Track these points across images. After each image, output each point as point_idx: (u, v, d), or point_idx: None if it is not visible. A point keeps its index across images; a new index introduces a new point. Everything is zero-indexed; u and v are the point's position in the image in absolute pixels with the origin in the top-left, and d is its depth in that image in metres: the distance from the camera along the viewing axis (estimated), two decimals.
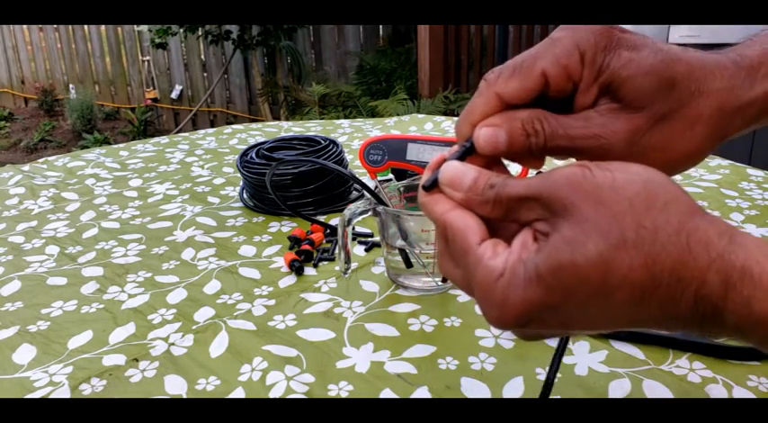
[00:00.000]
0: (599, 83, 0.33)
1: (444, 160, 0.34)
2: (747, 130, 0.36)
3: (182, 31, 3.74)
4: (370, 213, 0.60)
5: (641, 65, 0.33)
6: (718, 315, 0.27)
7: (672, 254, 0.27)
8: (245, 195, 0.87)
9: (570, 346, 0.53)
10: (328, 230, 0.75)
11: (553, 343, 0.54)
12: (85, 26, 4.93)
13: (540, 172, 0.33)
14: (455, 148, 0.35)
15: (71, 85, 5.16)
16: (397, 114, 2.95)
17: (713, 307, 0.27)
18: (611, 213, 0.27)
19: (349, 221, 0.59)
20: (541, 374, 0.50)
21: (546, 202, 0.29)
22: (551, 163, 0.38)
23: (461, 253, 0.31)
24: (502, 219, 0.32)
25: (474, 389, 0.49)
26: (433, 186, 0.33)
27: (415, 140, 0.82)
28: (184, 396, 0.50)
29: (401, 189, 0.65)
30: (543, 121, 0.33)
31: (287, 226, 0.79)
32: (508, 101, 0.33)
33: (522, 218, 0.31)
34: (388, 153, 0.82)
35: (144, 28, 4.11)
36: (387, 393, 0.49)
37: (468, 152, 0.34)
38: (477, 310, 0.59)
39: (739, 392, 0.48)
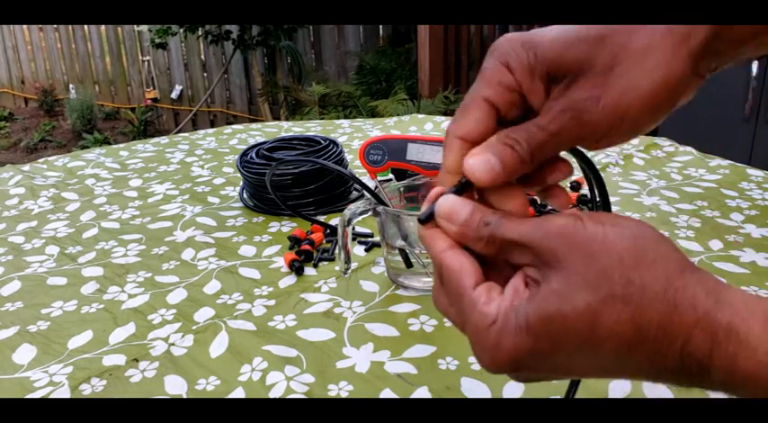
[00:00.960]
0: (539, 76, 0.33)
1: (442, 193, 0.34)
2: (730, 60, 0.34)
3: (182, 31, 3.74)
4: (370, 213, 0.60)
5: (563, 39, 0.33)
6: (705, 372, 0.28)
7: (658, 310, 0.27)
8: (245, 195, 0.87)
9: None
10: (328, 230, 0.75)
11: None
12: (85, 26, 4.93)
13: (544, 210, 0.33)
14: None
15: (71, 85, 5.16)
16: (397, 114, 2.95)
17: (699, 364, 0.28)
18: (600, 267, 0.28)
19: (349, 221, 0.59)
20: None
21: (537, 252, 0.30)
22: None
23: (456, 295, 0.32)
24: (494, 256, 0.32)
25: (474, 389, 0.49)
26: (429, 219, 0.34)
27: (415, 140, 0.81)
28: (184, 396, 0.50)
29: (401, 189, 0.65)
30: (514, 131, 0.33)
31: (287, 226, 0.79)
32: (472, 140, 0.34)
33: (514, 260, 0.31)
34: (388, 153, 0.82)
35: (144, 28, 4.11)
36: (387, 393, 0.49)
37: (465, 187, 0.34)
38: None
39: None
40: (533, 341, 0.29)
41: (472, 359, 0.52)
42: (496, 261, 0.33)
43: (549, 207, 0.37)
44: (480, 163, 0.33)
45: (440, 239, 0.33)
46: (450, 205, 0.33)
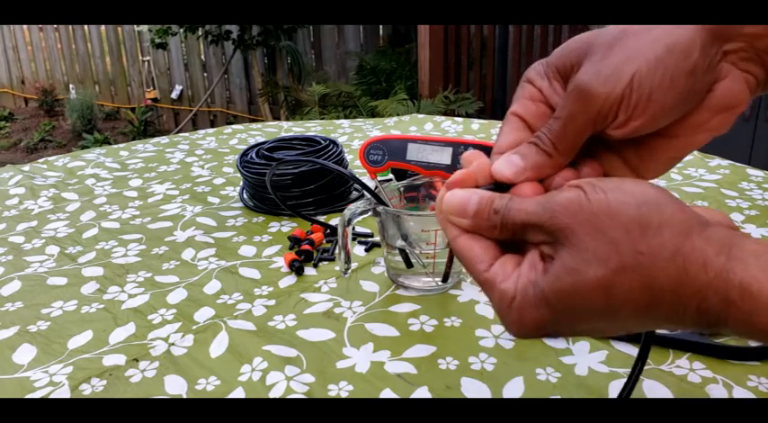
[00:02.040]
0: (553, 78, 0.35)
1: (469, 185, 0.35)
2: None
3: (182, 31, 3.74)
4: (370, 213, 0.60)
5: (567, 42, 0.35)
6: (722, 324, 0.28)
7: (670, 276, 0.28)
8: (245, 195, 0.87)
9: (570, 346, 0.53)
10: (328, 230, 0.75)
11: (553, 343, 0.54)
12: (85, 26, 4.93)
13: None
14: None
15: (71, 85, 5.16)
16: (397, 114, 2.95)
17: (717, 317, 0.28)
18: (608, 240, 0.29)
19: (349, 221, 0.59)
20: (541, 374, 0.50)
21: (548, 231, 0.31)
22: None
23: (475, 277, 0.33)
24: (509, 240, 0.33)
25: (474, 389, 0.49)
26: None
27: (415, 140, 0.81)
28: (184, 396, 0.50)
29: (401, 189, 0.65)
30: (542, 129, 0.34)
31: (287, 226, 0.79)
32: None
33: (529, 240, 0.32)
34: (388, 153, 0.82)
35: (144, 28, 4.11)
36: (387, 393, 0.49)
37: (497, 189, 0.35)
38: (477, 310, 0.59)
39: (739, 392, 0.48)
40: (553, 313, 0.30)
41: (472, 359, 0.52)
42: (517, 240, 0.33)
43: None
44: (502, 161, 0.34)
45: (452, 226, 0.34)
46: (458, 200, 0.34)
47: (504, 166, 0.34)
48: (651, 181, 0.32)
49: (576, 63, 0.34)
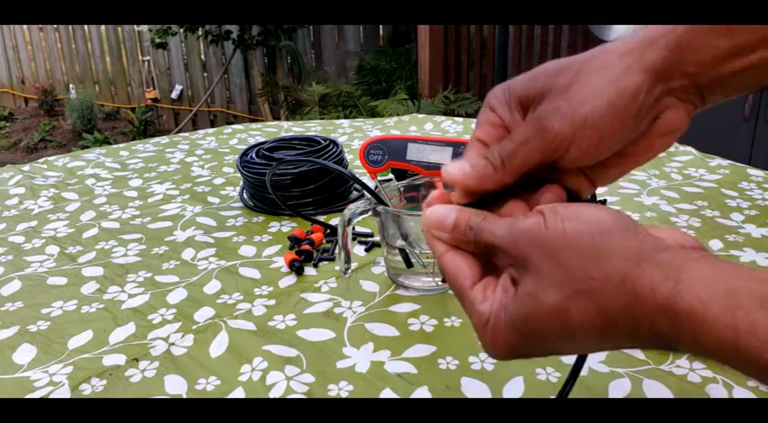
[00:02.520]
0: (515, 108, 0.38)
1: (438, 196, 0.38)
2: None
3: (182, 31, 3.74)
4: (370, 213, 0.60)
5: (530, 75, 0.38)
6: (675, 345, 0.30)
7: (622, 301, 0.30)
8: (245, 195, 0.87)
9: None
10: (328, 230, 0.75)
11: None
12: (85, 26, 4.93)
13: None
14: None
15: (71, 85, 5.16)
16: (397, 114, 2.95)
17: (668, 339, 0.29)
18: (564, 267, 0.31)
19: (349, 221, 0.59)
20: (541, 374, 0.50)
21: (512, 256, 0.33)
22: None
23: (458, 294, 0.36)
24: (485, 254, 0.35)
25: (474, 389, 0.49)
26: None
27: (415, 140, 0.81)
28: (184, 396, 0.50)
29: (401, 189, 0.65)
30: (496, 146, 0.37)
31: (287, 226, 0.79)
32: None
33: (498, 262, 0.35)
34: (388, 153, 0.82)
35: (144, 28, 4.11)
36: (387, 393, 0.49)
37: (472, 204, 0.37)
38: None
39: (739, 392, 0.48)
40: (520, 336, 0.33)
41: (472, 359, 0.52)
42: (491, 258, 0.36)
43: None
44: (454, 165, 0.38)
45: (438, 243, 0.37)
46: (438, 215, 0.37)
47: (454, 168, 0.37)
48: (608, 207, 0.34)
49: (538, 95, 0.37)
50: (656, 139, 0.37)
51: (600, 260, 0.30)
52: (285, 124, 1.27)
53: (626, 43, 0.36)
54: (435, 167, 0.81)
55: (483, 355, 0.53)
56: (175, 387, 0.51)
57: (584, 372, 0.50)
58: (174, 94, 4.75)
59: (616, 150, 0.37)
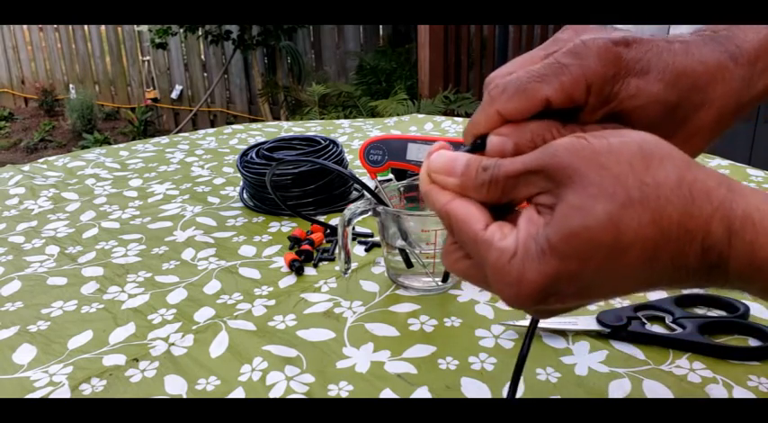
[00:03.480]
0: (605, 110, 0.34)
1: (441, 148, 0.34)
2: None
3: (182, 31, 3.74)
4: (370, 213, 0.60)
5: (649, 94, 0.33)
6: (724, 264, 0.28)
7: (677, 206, 0.28)
8: (245, 195, 0.87)
9: (570, 346, 0.53)
10: (328, 230, 0.75)
11: (553, 343, 0.54)
12: (85, 26, 4.93)
13: None
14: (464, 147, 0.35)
15: (71, 85, 5.16)
16: (397, 114, 2.95)
17: (719, 255, 0.28)
18: (613, 175, 0.28)
19: (349, 221, 0.59)
20: (541, 374, 0.50)
21: (549, 174, 0.29)
22: None
23: (470, 241, 0.31)
24: (498, 200, 0.32)
25: (474, 389, 0.49)
26: (477, 148, 0.34)
27: (415, 140, 0.82)
28: (184, 396, 0.50)
29: (401, 189, 0.65)
30: (554, 132, 0.33)
31: (287, 226, 0.79)
32: (509, 118, 0.34)
33: (521, 195, 0.31)
34: (388, 153, 0.82)
35: (144, 28, 4.11)
36: (387, 393, 0.49)
37: (477, 148, 0.34)
38: (477, 310, 0.59)
39: (739, 392, 0.48)
40: (559, 262, 0.29)
41: (472, 359, 0.52)
42: (500, 207, 0.32)
43: None
44: (497, 143, 0.33)
45: (441, 193, 0.33)
46: (445, 160, 0.33)
47: (495, 145, 0.33)
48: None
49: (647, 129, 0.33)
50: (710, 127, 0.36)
51: (652, 165, 0.28)
52: (285, 124, 1.27)
53: (737, 56, 0.35)
54: None
55: (483, 355, 0.53)
56: (175, 387, 0.51)
57: (584, 371, 0.50)
58: (174, 94, 4.75)
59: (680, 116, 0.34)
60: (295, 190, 0.80)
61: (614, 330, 0.54)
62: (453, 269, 0.34)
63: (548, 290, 0.29)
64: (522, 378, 0.50)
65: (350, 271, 0.62)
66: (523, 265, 0.29)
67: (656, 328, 0.54)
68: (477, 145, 0.34)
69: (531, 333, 0.39)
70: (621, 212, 0.28)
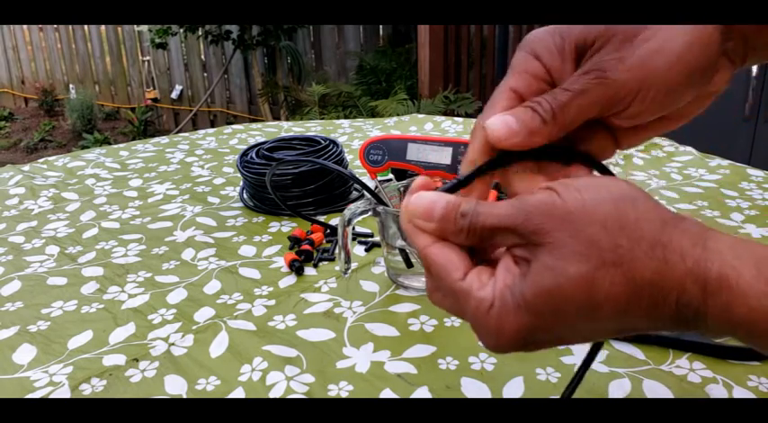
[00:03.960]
0: (569, 56, 0.34)
1: (423, 186, 0.34)
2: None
3: (182, 31, 3.74)
4: (370, 213, 0.60)
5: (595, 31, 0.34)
6: (701, 319, 0.28)
7: (650, 267, 0.28)
8: (245, 195, 0.87)
9: (570, 346, 0.53)
10: (328, 230, 0.75)
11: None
12: (85, 26, 4.93)
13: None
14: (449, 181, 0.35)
15: (71, 85, 5.16)
16: (397, 114, 2.95)
17: (695, 312, 0.28)
18: (586, 237, 0.28)
19: (349, 221, 0.59)
20: (541, 375, 0.50)
21: (521, 234, 0.30)
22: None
23: (448, 288, 0.32)
24: (477, 245, 0.32)
25: (474, 389, 0.49)
26: (458, 187, 0.34)
27: (415, 140, 0.82)
28: (184, 396, 0.50)
29: (401, 189, 0.65)
30: (543, 95, 0.33)
31: (287, 226, 0.79)
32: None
33: (498, 245, 0.32)
34: (388, 153, 0.82)
35: (144, 28, 4.11)
36: (387, 393, 0.49)
37: (456, 186, 0.34)
38: None
39: (739, 392, 0.48)
40: (534, 317, 0.29)
41: (472, 359, 0.52)
42: (482, 247, 0.33)
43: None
44: (497, 119, 0.33)
45: (422, 235, 0.33)
46: (424, 203, 0.33)
47: (498, 124, 0.33)
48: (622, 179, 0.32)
49: (597, 41, 0.33)
50: (701, 101, 0.35)
51: (626, 228, 0.28)
52: (285, 124, 1.27)
53: None
54: (435, 167, 0.81)
55: (483, 355, 0.53)
56: (175, 387, 0.51)
57: None
58: (174, 94, 4.75)
59: (676, 108, 0.34)
60: (295, 190, 0.80)
61: None
62: (439, 306, 0.34)
63: (526, 339, 0.30)
64: (521, 378, 0.50)
65: (350, 271, 0.62)
66: (500, 316, 0.30)
67: None
68: (456, 183, 0.34)
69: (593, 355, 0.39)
70: (594, 273, 0.28)
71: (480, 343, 0.32)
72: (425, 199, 0.33)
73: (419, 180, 0.34)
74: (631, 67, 0.32)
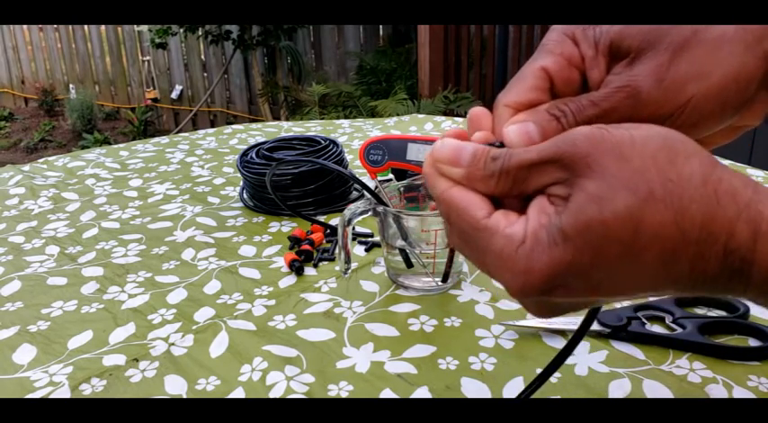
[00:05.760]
0: (601, 51, 0.32)
1: (465, 138, 0.32)
2: None
3: (182, 31, 3.74)
4: (370, 213, 0.60)
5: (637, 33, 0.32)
6: (746, 269, 0.26)
7: (701, 206, 0.26)
8: (245, 195, 0.87)
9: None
10: (328, 230, 0.75)
11: (553, 343, 0.54)
12: (85, 26, 4.93)
13: None
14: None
15: (71, 85, 5.17)
16: (397, 114, 2.95)
17: (741, 260, 0.26)
18: (635, 168, 0.26)
19: (349, 221, 0.59)
20: None
21: (567, 163, 0.28)
22: None
23: (470, 229, 0.29)
24: (506, 193, 0.30)
25: (474, 389, 0.49)
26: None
27: (415, 140, 0.82)
28: (184, 396, 0.50)
29: (401, 189, 0.65)
30: (567, 102, 0.32)
31: (287, 226, 0.79)
32: (520, 109, 0.33)
33: (532, 186, 0.29)
34: (388, 153, 0.82)
35: (144, 28, 4.11)
36: (387, 393, 0.49)
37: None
38: (477, 310, 0.59)
39: (739, 392, 0.48)
40: (571, 254, 0.27)
41: (472, 359, 0.52)
42: (507, 201, 0.31)
43: None
44: (517, 130, 0.31)
45: (441, 179, 0.31)
46: (450, 148, 0.31)
47: (517, 133, 0.31)
48: None
49: (636, 48, 0.31)
50: (725, 132, 0.34)
51: (676, 162, 0.26)
52: (285, 124, 1.27)
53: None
54: None
55: (483, 355, 0.53)
56: (175, 387, 0.51)
57: (584, 371, 0.50)
58: (174, 94, 4.75)
59: (701, 137, 0.32)
60: (295, 190, 0.80)
61: (614, 330, 0.54)
62: (458, 250, 0.32)
63: (555, 281, 0.27)
64: (521, 378, 0.50)
65: (350, 271, 0.62)
66: (532, 252, 0.27)
67: (656, 328, 0.54)
68: (496, 146, 0.32)
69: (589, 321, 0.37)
70: (642, 208, 0.26)
71: (501, 286, 0.29)
72: (452, 143, 0.31)
73: (451, 129, 0.32)
74: (668, 90, 0.30)
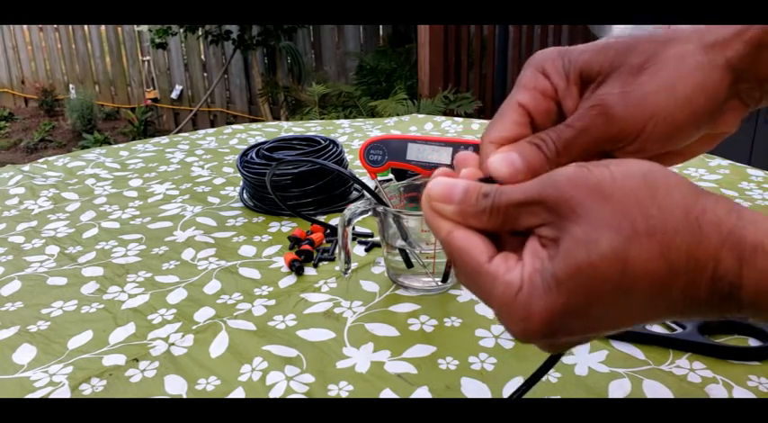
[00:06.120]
0: (572, 81, 0.34)
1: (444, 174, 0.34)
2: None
3: (182, 31, 3.74)
4: (370, 213, 0.60)
5: (594, 47, 0.34)
6: (735, 293, 0.27)
7: (686, 237, 0.27)
8: (245, 195, 0.87)
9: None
10: (328, 230, 0.75)
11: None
12: (85, 26, 4.93)
13: None
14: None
15: (71, 85, 5.16)
16: (397, 114, 2.95)
17: (730, 285, 0.27)
18: (617, 207, 0.27)
19: (349, 221, 0.59)
20: None
21: (551, 206, 0.29)
22: None
23: (474, 273, 0.31)
24: (499, 229, 0.31)
25: (474, 389, 0.49)
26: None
27: (415, 140, 0.81)
28: (184, 396, 0.50)
29: (401, 189, 0.65)
30: (546, 131, 0.33)
31: (287, 226, 0.79)
32: (504, 144, 0.34)
33: (523, 225, 0.30)
34: (388, 153, 0.82)
35: (144, 28, 4.11)
36: (387, 393, 0.49)
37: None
38: (477, 309, 0.59)
39: (739, 392, 0.48)
40: (565, 298, 0.28)
41: (472, 359, 0.52)
42: (502, 235, 0.32)
43: None
44: (500, 160, 0.32)
45: (443, 221, 0.32)
46: (443, 186, 0.32)
47: (502, 163, 0.32)
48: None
49: (603, 72, 0.33)
50: (709, 140, 0.35)
51: (657, 196, 0.27)
52: (285, 124, 1.27)
53: (704, 33, 0.32)
54: (435, 167, 0.81)
55: (483, 355, 0.53)
56: (175, 387, 0.51)
57: (584, 371, 0.50)
58: (174, 95, 4.75)
59: (679, 147, 0.34)
60: (295, 190, 0.80)
61: None
62: (468, 290, 0.33)
63: (555, 325, 0.29)
64: (522, 378, 0.50)
65: (350, 271, 0.62)
66: (530, 299, 0.29)
67: (656, 328, 0.54)
68: (484, 180, 0.33)
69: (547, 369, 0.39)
70: (627, 246, 0.27)
71: (507, 331, 0.30)
72: (445, 181, 0.32)
73: (440, 169, 0.34)
74: (637, 104, 0.32)
